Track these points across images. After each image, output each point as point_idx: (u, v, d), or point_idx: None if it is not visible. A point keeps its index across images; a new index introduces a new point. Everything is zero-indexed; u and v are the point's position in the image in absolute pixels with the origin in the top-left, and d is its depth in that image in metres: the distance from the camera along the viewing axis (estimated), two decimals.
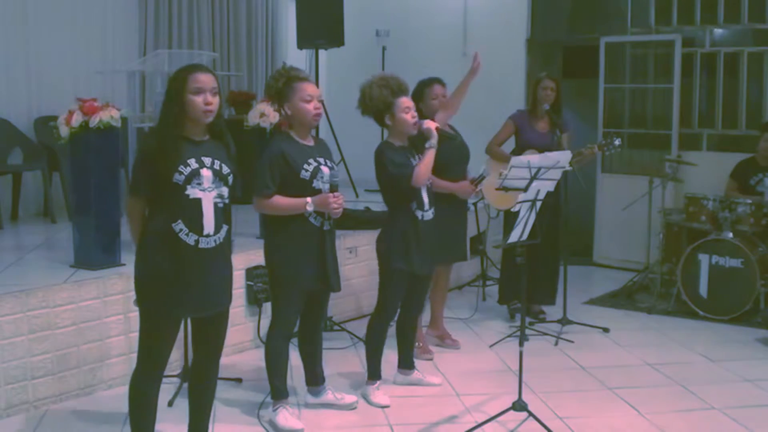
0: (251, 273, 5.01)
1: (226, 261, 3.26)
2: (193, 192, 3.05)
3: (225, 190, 3.16)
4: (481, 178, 4.68)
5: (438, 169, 4.34)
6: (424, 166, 4.08)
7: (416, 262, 4.15)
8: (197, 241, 3.08)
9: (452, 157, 4.74)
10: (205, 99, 3.06)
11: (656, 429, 3.93)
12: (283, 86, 3.81)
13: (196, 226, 3.07)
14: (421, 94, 4.84)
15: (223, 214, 3.16)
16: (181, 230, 3.05)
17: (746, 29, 7.27)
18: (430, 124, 4.15)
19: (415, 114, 4.15)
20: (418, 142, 4.21)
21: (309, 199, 3.70)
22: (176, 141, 3.06)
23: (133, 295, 3.18)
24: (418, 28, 8.81)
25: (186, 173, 3.04)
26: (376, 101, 4.12)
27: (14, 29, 6.66)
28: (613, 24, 7.90)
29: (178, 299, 3.08)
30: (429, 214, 4.21)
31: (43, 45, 6.79)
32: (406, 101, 4.13)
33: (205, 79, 3.08)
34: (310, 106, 3.77)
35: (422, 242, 4.16)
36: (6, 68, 6.62)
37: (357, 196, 7.41)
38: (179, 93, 3.05)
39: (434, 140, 4.11)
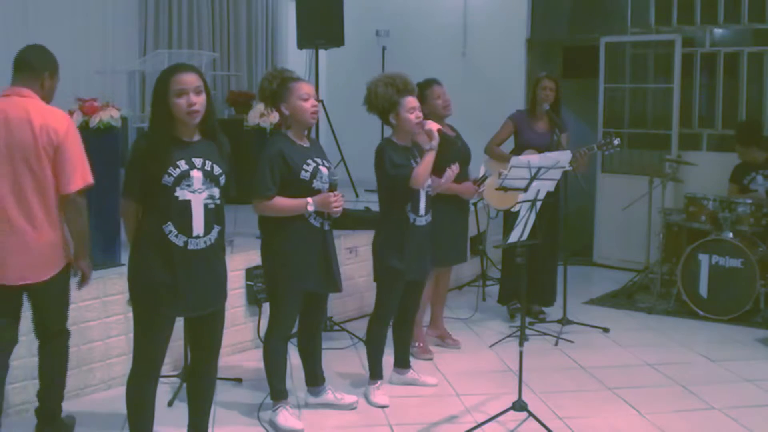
0: (251, 273, 5.01)
1: (219, 261, 3.26)
2: (182, 194, 3.05)
3: (216, 191, 3.15)
4: (484, 178, 4.68)
5: (440, 171, 4.33)
6: (423, 167, 4.05)
7: (408, 264, 4.13)
8: (186, 243, 3.08)
9: (453, 158, 4.72)
10: (188, 101, 3.02)
11: (656, 429, 3.93)
12: (278, 87, 3.81)
13: (185, 227, 3.07)
14: (422, 96, 4.76)
15: (214, 215, 3.15)
16: (170, 232, 3.06)
17: (746, 29, 7.27)
18: (432, 126, 4.12)
19: (420, 114, 4.14)
20: (419, 144, 4.20)
21: (310, 200, 3.70)
22: (165, 143, 3.06)
23: (128, 294, 3.19)
24: (418, 28, 8.81)
25: (175, 175, 3.04)
26: (381, 99, 4.10)
27: (14, 29, 6.65)
28: (613, 24, 7.90)
29: (169, 299, 3.09)
30: (423, 221, 4.17)
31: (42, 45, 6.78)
32: (412, 101, 4.11)
33: (188, 80, 3.04)
34: (308, 105, 3.77)
35: (413, 248, 4.13)
36: (6, 68, 6.61)
37: (357, 196, 7.40)
38: (164, 96, 3.04)
39: (435, 142, 4.09)
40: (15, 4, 6.67)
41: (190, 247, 3.09)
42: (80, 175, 3.43)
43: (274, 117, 5.09)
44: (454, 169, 4.29)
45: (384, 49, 8.29)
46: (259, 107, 5.25)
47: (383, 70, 8.03)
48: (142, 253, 3.11)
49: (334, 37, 7.52)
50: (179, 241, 3.07)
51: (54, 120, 3.40)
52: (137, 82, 7.11)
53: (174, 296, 3.09)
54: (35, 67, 3.52)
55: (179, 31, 8.14)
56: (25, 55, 3.54)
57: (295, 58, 8.43)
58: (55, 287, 3.51)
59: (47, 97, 3.56)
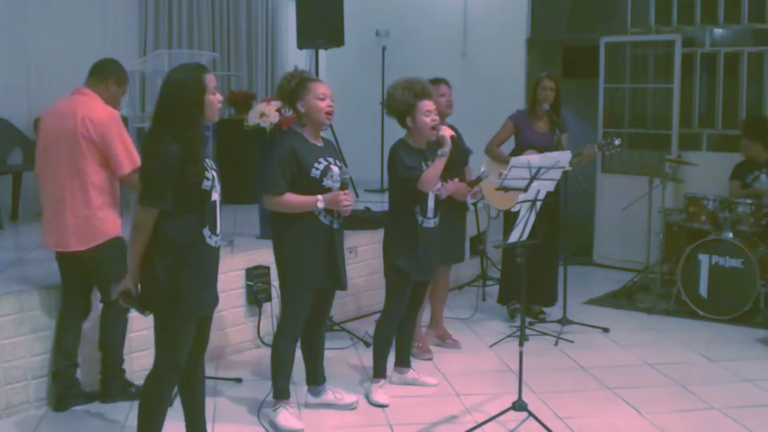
0: (251, 273, 5.01)
1: None
2: (213, 195, 3.08)
3: (219, 188, 3.19)
4: (479, 179, 4.69)
5: (445, 171, 4.32)
6: (433, 171, 4.10)
7: (414, 265, 4.17)
8: (216, 242, 3.12)
9: (451, 157, 4.73)
10: (219, 98, 3.09)
11: (656, 429, 3.93)
12: (296, 86, 3.85)
13: (215, 228, 3.11)
14: None
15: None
16: (208, 235, 3.06)
17: (746, 29, 7.28)
18: (446, 132, 4.18)
19: (436, 118, 4.19)
20: (432, 147, 4.25)
21: (320, 197, 3.72)
22: (199, 146, 3.02)
23: (137, 303, 3.09)
24: (418, 28, 8.81)
25: (210, 178, 3.05)
26: (399, 102, 4.17)
27: (14, 29, 6.66)
28: (613, 24, 7.90)
29: (199, 301, 3.10)
30: (431, 222, 4.23)
31: (42, 45, 6.79)
32: (428, 104, 4.17)
33: (214, 78, 3.10)
34: (324, 104, 3.82)
35: (421, 249, 4.18)
36: (6, 68, 6.62)
37: (357, 196, 7.41)
38: (202, 94, 3.00)
39: (447, 149, 4.14)
40: (15, 3, 6.67)
41: (218, 245, 3.13)
42: (127, 158, 3.85)
43: (275, 117, 5.10)
44: (448, 186, 4.33)
45: (384, 49, 8.29)
46: (259, 107, 5.25)
47: (383, 70, 8.04)
48: (175, 259, 2.98)
49: (334, 37, 7.52)
50: (212, 242, 3.09)
51: (94, 112, 3.86)
52: (137, 82, 7.11)
53: (204, 296, 3.12)
54: (102, 73, 4.06)
55: (179, 31, 8.14)
56: (98, 63, 4.12)
57: (295, 58, 8.43)
58: (101, 255, 3.88)
59: (111, 102, 4.04)
